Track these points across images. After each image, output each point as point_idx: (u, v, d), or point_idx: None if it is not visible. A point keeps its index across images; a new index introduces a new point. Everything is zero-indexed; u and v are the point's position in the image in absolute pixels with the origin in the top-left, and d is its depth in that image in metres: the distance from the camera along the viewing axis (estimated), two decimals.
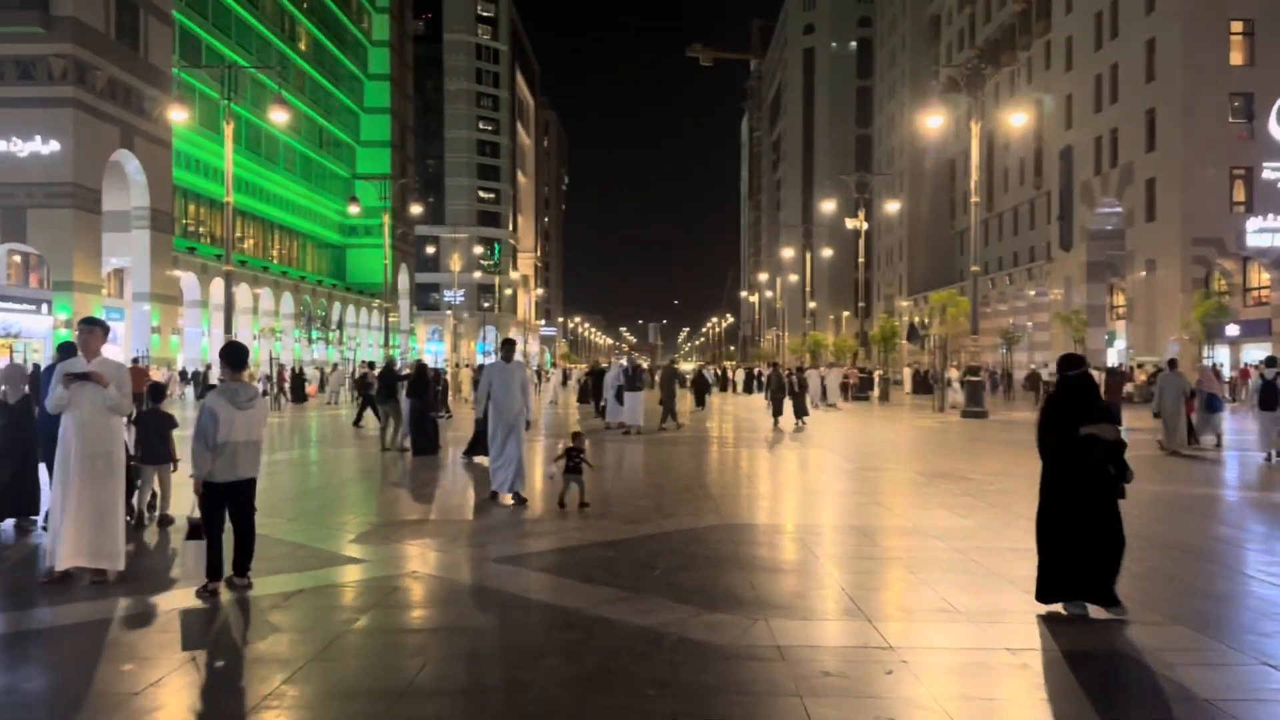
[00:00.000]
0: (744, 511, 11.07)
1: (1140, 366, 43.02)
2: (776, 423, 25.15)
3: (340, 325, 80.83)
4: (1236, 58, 45.88)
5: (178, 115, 34.06)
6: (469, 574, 7.77)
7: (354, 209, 45.02)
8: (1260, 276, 46.88)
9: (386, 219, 45.57)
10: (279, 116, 30.26)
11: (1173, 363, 19.28)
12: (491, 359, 20.29)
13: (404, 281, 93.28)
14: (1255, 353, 48.14)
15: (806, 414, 26.02)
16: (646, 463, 16.64)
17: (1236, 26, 45.64)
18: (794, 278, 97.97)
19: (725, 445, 20.71)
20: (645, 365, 74.40)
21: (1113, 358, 54.55)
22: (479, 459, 15.81)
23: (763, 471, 15.99)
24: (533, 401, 10.09)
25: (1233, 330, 45.55)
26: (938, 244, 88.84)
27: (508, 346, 10.95)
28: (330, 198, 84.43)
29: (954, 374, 37.87)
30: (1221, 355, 46.43)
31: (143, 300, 49.55)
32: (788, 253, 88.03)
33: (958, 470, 15.15)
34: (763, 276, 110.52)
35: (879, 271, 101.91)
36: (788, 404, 25.60)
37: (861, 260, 55.84)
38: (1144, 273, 50.37)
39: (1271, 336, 46.33)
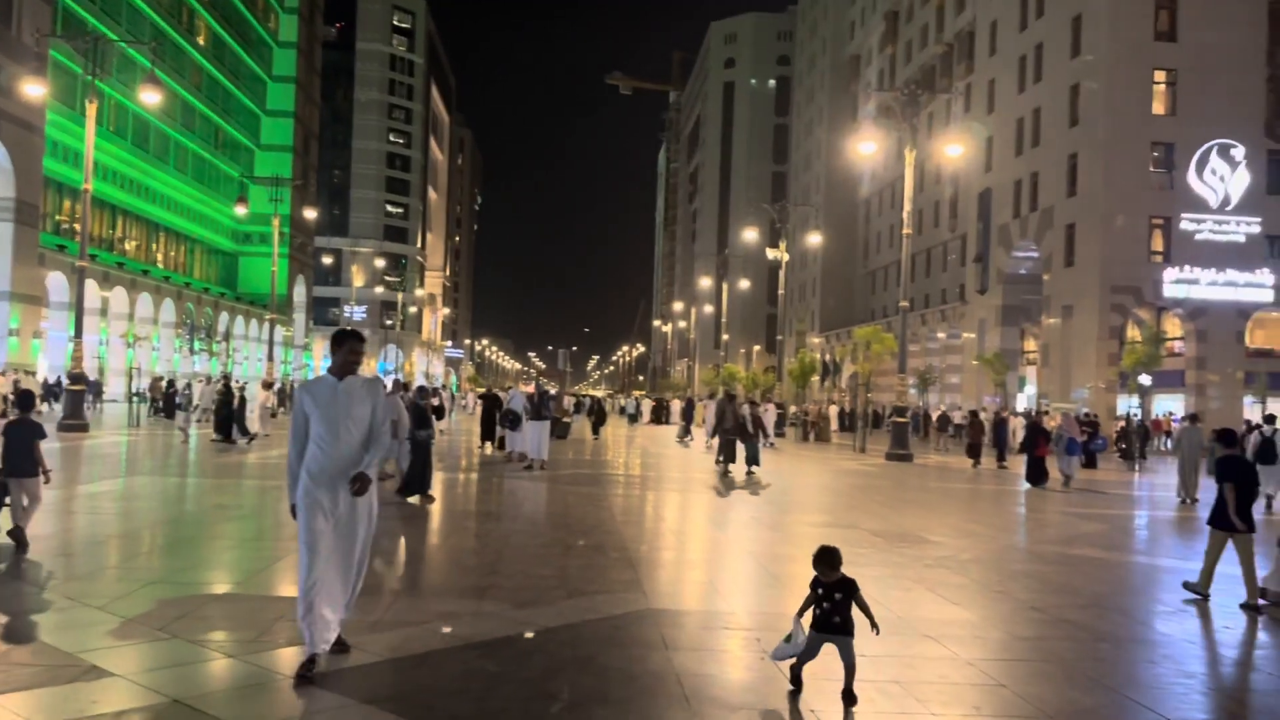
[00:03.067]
0: (675, 588, 8.52)
1: (1046, 414, 42.19)
2: (726, 470, 20.45)
3: (227, 336, 75.88)
4: (1159, 107, 45.86)
5: (33, 90, 30.20)
6: (240, 712, 5.01)
7: (240, 210, 41.52)
8: (1175, 327, 46.81)
9: (276, 222, 41.92)
10: (150, 98, 26.94)
11: (1193, 417, 20.22)
12: (396, 384, 17.21)
13: (301, 294, 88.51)
14: (1167, 404, 48.10)
15: (758, 462, 20.94)
16: (550, 510, 13.97)
17: (1160, 76, 45.64)
18: (708, 309, 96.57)
19: (645, 488, 18.15)
20: (553, 391, 71.69)
21: (1022, 403, 54.04)
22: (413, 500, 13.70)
23: (693, 526, 13.48)
24: (386, 443, 6.12)
25: (1145, 380, 45.13)
26: (849, 283, 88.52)
27: (343, 345, 5.76)
28: (224, 202, 79.33)
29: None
30: (1130, 405, 45.94)
31: (1, 300, 44.68)
32: (704, 282, 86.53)
33: (915, 530, 12.91)
34: (677, 306, 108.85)
35: (791, 307, 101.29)
36: (740, 448, 20.71)
37: (781, 292, 54.18)
38: (1060, 318, 49.93)
39: (1185, 388, 46.23)
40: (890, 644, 6.66)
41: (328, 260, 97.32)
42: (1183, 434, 19.25)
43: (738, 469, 20.69)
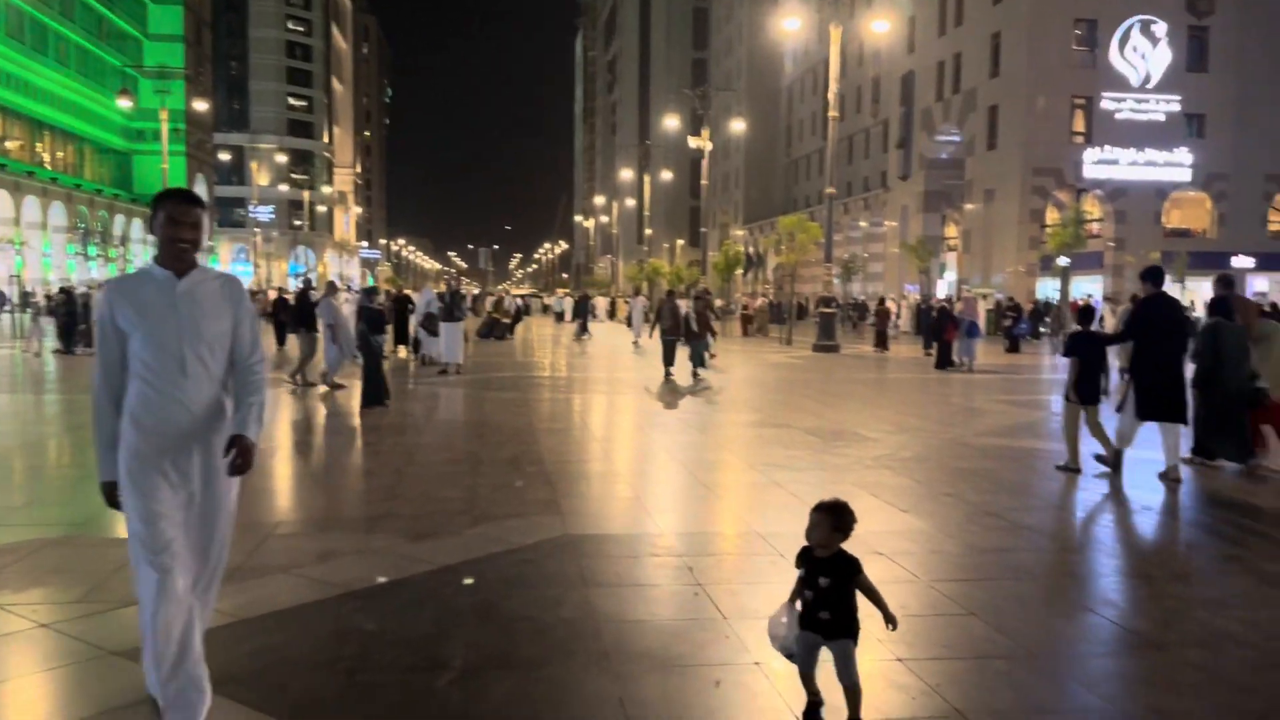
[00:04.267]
0: (598, 508, 7.60)
1: (984, 298, 42.25)
2: (668, 374, 18.59)
3: (124, 240, 71.89)
4: None
5: None
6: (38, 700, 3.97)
7: (124, 103, 38.33)
8: (1095, 209, 46.92)
9: (164, 115, 38.90)
10: None
11: (1134, 297, 19.82)
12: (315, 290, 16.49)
13: (201, 193, 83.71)
14: (1086, 286, 48.57)
15: (705, 364, 19.12)
16: (463, 420, 12.93)
17: None
18: (630, 202, 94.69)
19: (569, 391, 17.19)
20: (474, 291, 69.35)
21: (942, 289, 54.20)
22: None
23: (618, 432, 12.59)
24: (264, 382, 3.76)
25: (1064, 262, 45.33)
26: (773, 173, 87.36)
27: (161, 209, 3.65)
28: (112, 97, 74.11)
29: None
30: (1050, 288, 46.21)
31: None
32: (626, 175, 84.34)
33: (851, 426, 12.22)
34: (598, 200, 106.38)
35: (715, 198, 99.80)
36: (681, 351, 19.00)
37: (704, 183, 52.85)
38: (981, 203, 49.72)
39: (1103, 269, 46.65)
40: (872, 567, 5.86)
41: (228, 158, 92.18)
42: (1122, 314, 19.26)
43: (682, 373, 18.70)
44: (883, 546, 6.29)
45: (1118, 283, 44.86)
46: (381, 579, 5.44)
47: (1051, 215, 46.68)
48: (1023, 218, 46.78)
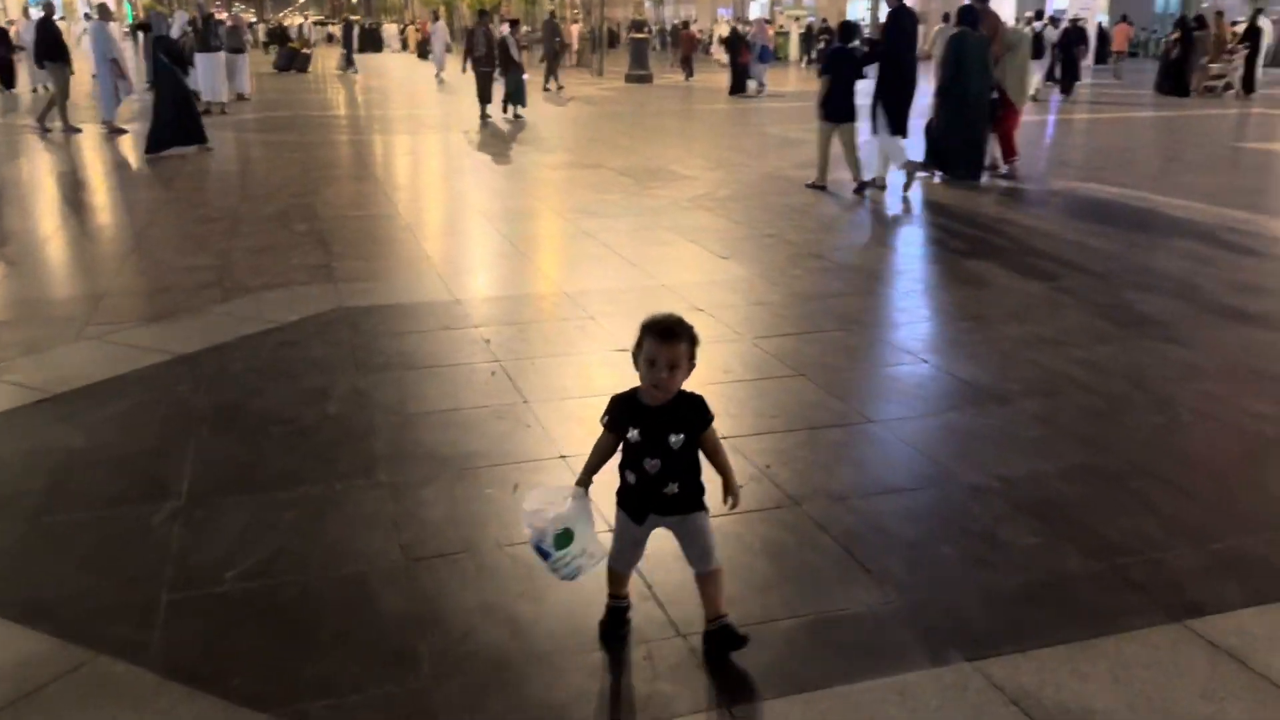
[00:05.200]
0: (379, 272, 6.57)
1: (797, 20, 41.06)
2: (484, 114, 16.25)
3: None
4: None
5: None
6: None
7: None
8: None
9: None
10: None
11: (946, 16, 21.37)
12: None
13: None
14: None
15: (523, 100, 16.75)
16: (225, 169, 11.24)
17: None
18: None
19: (357, 132, 15.41)
20: (249, 20, 61.13)
21: (755, 12, 52.38)
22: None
23: (411, 180, 11.28)
24: None
25: None
26: None
27: None
28: None
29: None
30: (863, 8, 45.26)
31: None
32: None
33: (665, 164, 11.39)
34: None
35: None
36: (497, 88, 16.57)
37: None
38: None
39: None
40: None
41: None
42: (937, 34, 19.04)
43: (497, 111, 16.59)
44: (702, 300, 5.67)
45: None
46: (96, 377, 4.37)
47: None
48: None
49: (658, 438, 2.35)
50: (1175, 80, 21.04)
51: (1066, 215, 8.46)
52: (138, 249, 6.98)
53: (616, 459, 2.44)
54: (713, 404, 2.43)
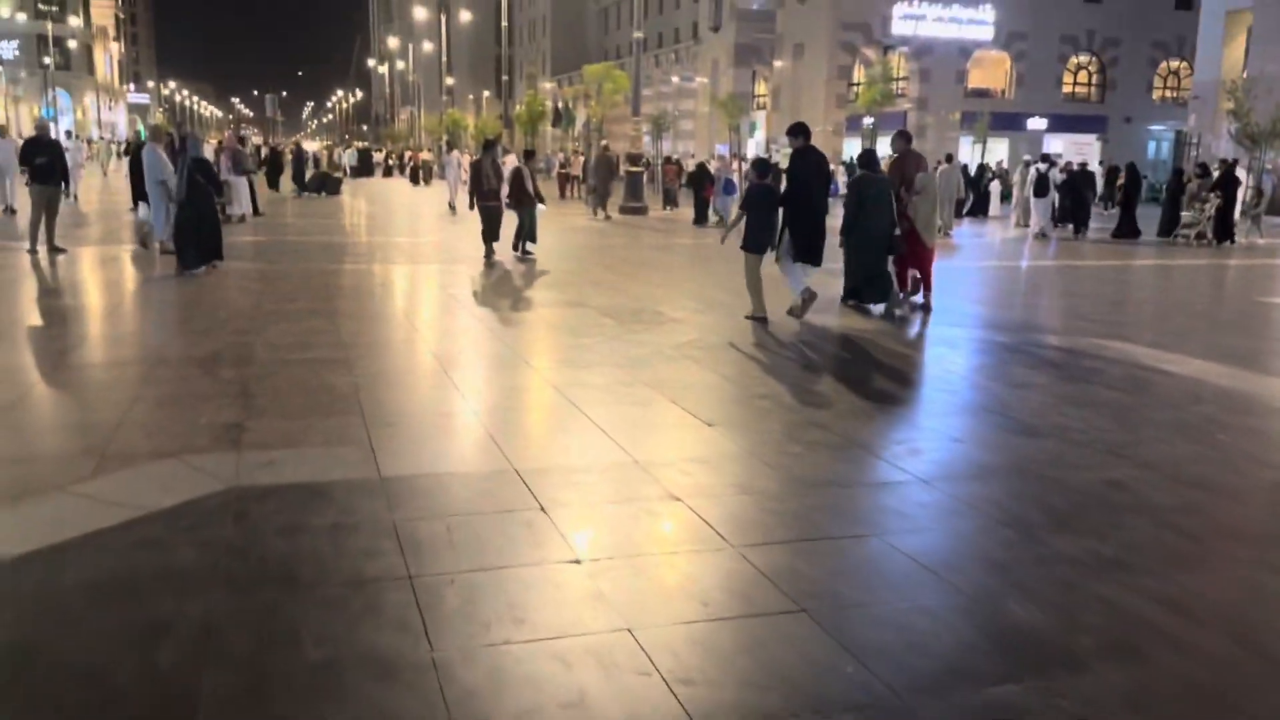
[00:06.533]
0: (302, 429, 5.55)
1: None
2: (490, 252, 14.39)
3: None
4: None
5: None
6: None
7: None
8: (901, 67, 46.50)
9: None
10: None
11: (949, 157, 23.34)
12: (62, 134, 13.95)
13: None
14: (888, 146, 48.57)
15: (534, 237, 15.07)
16: (182, 298, 10.37)
17: None
18: (428, 46, 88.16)
19: (347, 256, 14.67)
20: (257, 145, 61.69)
21: (752, 149, 53.15)
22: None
23: (370, 322, 10.40)
24: None
25: (868, 122, 45.00)
26: (581, 20, 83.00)
27: None
28: None
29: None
30: (854, 146, 45.87)
31: None
32: (420, 12, 77.72)
33: (652, 302, 10.55)
34: (393, 43, 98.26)
35: (520, 48, 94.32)
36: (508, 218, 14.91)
37: (505, 24, 48.92)
38: (791, 59, 48.43)
39: (907, 129, 46.63)
40: (623, 524, 4.16)
41: None
42: (941, 174, 20.44)
43: (505, 248, 14.80)
44: (680, 484, 4.65)
45: (920, 144, 44.98)
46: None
47: (859, 74, 45.99)
48: (831, 75, 45.88)
49: None
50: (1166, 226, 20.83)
51: (1085, 382, 7.52)
52: (24, 399, 5.97)
53: None
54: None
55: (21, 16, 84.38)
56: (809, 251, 9.42)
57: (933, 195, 10.77)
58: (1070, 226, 21.79)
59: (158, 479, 4.56)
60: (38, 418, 5.62)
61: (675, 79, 63.48)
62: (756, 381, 7.02)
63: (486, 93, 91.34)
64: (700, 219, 23.09)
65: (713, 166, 24.93)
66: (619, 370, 7.21)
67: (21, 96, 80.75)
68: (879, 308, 10.33)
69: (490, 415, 6.03)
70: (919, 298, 10.77)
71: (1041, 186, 21.35)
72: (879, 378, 7.48)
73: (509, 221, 14.89)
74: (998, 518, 4.45)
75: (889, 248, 10.12)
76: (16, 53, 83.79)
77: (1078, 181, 21.85)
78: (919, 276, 10.83)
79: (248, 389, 6.31)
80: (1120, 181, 22.17)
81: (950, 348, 8.65)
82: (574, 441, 5.46)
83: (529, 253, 14.87)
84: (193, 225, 11.86)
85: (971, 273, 15.40)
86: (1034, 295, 13.05)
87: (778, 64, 50.06)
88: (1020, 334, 9.26)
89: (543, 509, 4.34)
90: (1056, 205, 21.98)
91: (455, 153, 30.83)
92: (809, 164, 9.51)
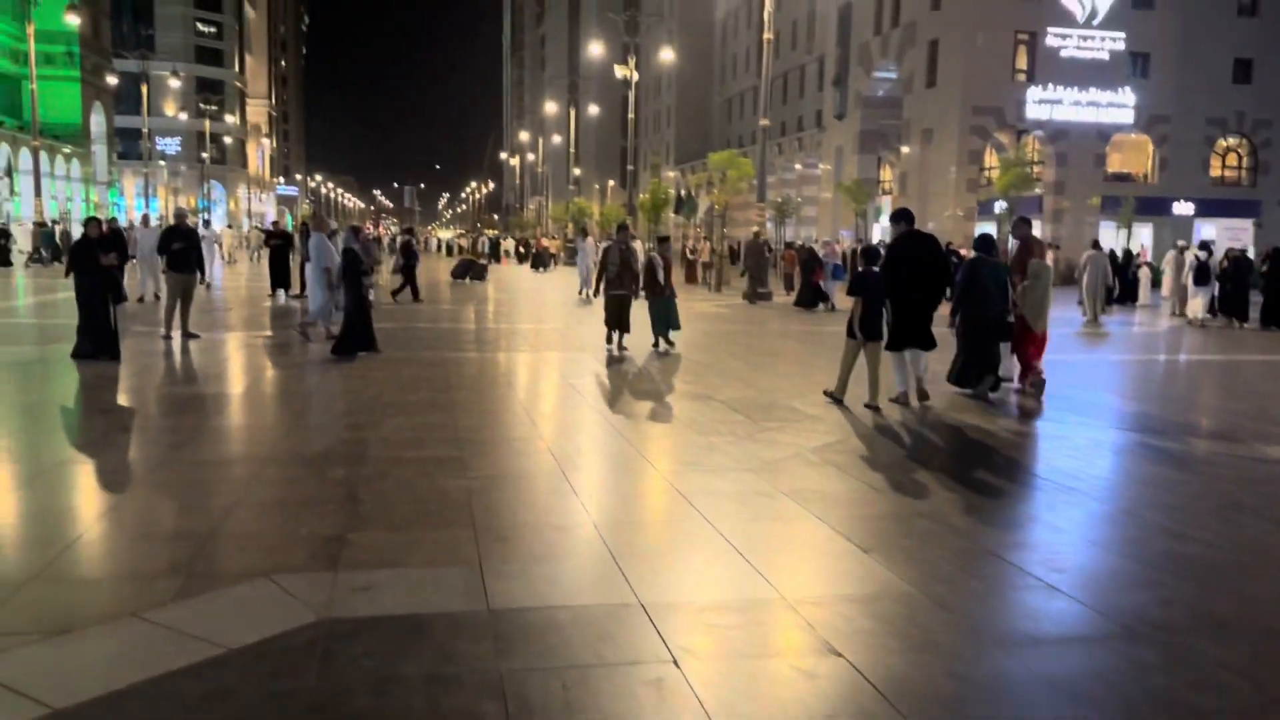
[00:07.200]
0: (408, 544, 5.02)
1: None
2: (612, 343, 13.75)
3: (9, 172, 66.13)
4: None
5: None
6: None
7: (72, 18, 33.66)
8: (1035, 151, 45.06)
9: (31, 30, 34.49)
10: None
11: (1096, 243, 22.36)
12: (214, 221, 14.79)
13: (99, 123, 77.65)
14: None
15: (677, 325, 14.03)
16: (304, 387, 10.18)
17: None
18: (557, 139, 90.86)
19: (472, 344, 14.48)
20: (392, 231, 63.92)
21: (877, 234, 52.10)
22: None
23: (492, 402, 9.98)
24: None
25: (1001, 206, 43.49)
26: (706, 111, 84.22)
27: None
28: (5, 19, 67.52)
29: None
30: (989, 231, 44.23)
31: None
32: (551, 107, 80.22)
33: (784, 396, 9.81)
34: (524, 137, 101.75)
35: (646, 139, 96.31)
36: (638, 309, 13.95)
37: (632, 116, 49.61)
38: (919, 144, 47.57)
39: (1041, 214, 44.96)
40: (773, 689, 3.40)
41: (129, 86, 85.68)
42: (1089, 260, 20.92)
43: (641, 344, 13.79)
44: (839, 632, 3.87)
45: (1056, 228, 43.26)
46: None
47: (990, 159, 44.74)
48: (961, 160, 44.73)
49: None
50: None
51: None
52: (120, 504, 5.64)
53: None
54: None
55: (183, 115, 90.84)
56: (901, 337, 9.42)
57: (1045, 282, 10.50)
58: (1231, 317, 20.42)
59: (243, 605, 4.05)
60: (130, 526, 5.26)
61: (799, 165, 63.29)
62: (910, 493, 6.18)
63: (612, 182, 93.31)
64: (807, 302, 22.72)
65: (820, 250, 24.32)
66: (753, 476, 6.48)
67: (181, 188, 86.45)
68: (996, 394, 10.12)
69: (611, 530, 5.36)
70: (1018, 383, 10.57)
71: (1202, 275, 20.38)
72: (1056, 499, 6.51)
73: (638, 311, 13.97)
74: (1248, 691, 3.50)
75: (998, 332, 10.00)
76: (178, 149, 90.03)
77: (1242, 268, 20.27)
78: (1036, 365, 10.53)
79: (355, 493, 5.85)
80: (1264, 269, 20.70)
81: (1114, 453, 7.60)
82: (707, 567, 4.75)
83: (670, 347, 13.76)
84: (354, 315, 12.34)
85: (1131, 366, 14.11)
86: (1222, 397, 11.75)
87: (905, 149, 49.25)
88: (1227, 443, 8.12)
89: (674, 661, 3.63)
90: (1217, 294, 20.59)
91: (590, 239, 29.27)
92: (910, 249, 9.46)
